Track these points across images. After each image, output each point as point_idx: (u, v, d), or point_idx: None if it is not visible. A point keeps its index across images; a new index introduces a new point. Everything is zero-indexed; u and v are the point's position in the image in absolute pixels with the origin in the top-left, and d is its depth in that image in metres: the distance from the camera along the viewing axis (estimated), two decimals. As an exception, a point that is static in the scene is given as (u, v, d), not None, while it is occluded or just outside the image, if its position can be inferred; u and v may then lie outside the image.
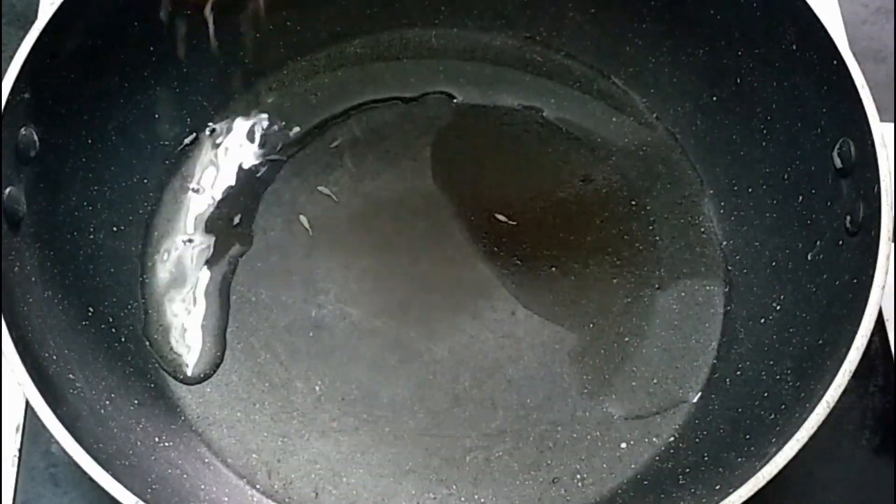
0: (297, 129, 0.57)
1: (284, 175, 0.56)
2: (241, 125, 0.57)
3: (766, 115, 0.52)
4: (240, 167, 0.56)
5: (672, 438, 0.49)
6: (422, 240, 0.54)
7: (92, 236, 0.50)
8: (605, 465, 0.48)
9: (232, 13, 0.56)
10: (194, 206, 0.54)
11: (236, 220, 0.54)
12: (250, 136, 0.57)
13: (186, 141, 0.56)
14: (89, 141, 0.50)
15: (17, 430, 0.49)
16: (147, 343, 0.50)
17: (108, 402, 0.44)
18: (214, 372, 0.50)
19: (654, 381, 0.50)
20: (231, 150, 0.56)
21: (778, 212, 0.51)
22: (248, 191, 0.55)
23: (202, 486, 0.45)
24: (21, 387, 0.38)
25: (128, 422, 0.45)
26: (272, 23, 0.58)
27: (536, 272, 0.53)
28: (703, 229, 0.55)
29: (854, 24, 0.64)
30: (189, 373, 0.49)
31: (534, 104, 0.59)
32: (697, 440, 0.48)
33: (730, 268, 0.53)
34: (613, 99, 0.59)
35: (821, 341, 0.43)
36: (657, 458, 0.48)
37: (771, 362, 0.47)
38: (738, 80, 0.53)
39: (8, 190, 0.43)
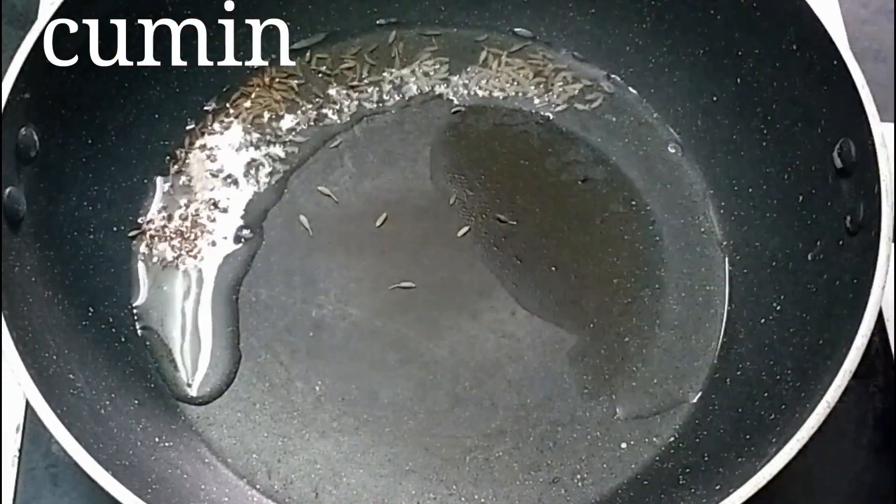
0: (296, 128, 0.57)
1: (284, 175, 0.56)
2: (240, 125, 0.57)
3: (766, 115, 0.52)
4: (240, 167, 0.56)
5: (672, 438, 0.49)
6: (422, 240, 0.54)
7: (92, 236, 0.50)
8: (605, 465, 0.48)
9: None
10: (195, 207, 0.54)
11: (237, 220, 0.54)
12: (250, 136, 0.57)
13: (186, 141, 0.56)
14: (89, 141, 0.50)
15: (17, 430, 0.49)
16: (147, 344, 0.50)
17: (108, 402, 0.44)
18: (227, 388, 0.49)
19: (655, 381, 0.50)
20: (231, 150, 0.56)
21: (778, 212, 0.51)
22: (248, 191, 0.55)
23: (202, 486, 0.45)
24: (21, 387, 0.38)
25: (128, 422, 0.45)
26: (271, 23, 0.58)
27: (536, 272, 0.53)
28: (703, 229, 0.55)
29: (854, 24, 0.64)
30: (195, 393, 0.49)
31: (534, 104, 0.59)
32: (697, 440, 0.48)
33: (730, 268, 0.53)
34: (613, 99, 0.59)
35: (821, 341, 0.43)
36: (657, 458, 0.48)
37: (771, 362, 0.47)
38: (738, 80, 0.53)
39: (8, 190, 0.43)
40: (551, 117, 0.58)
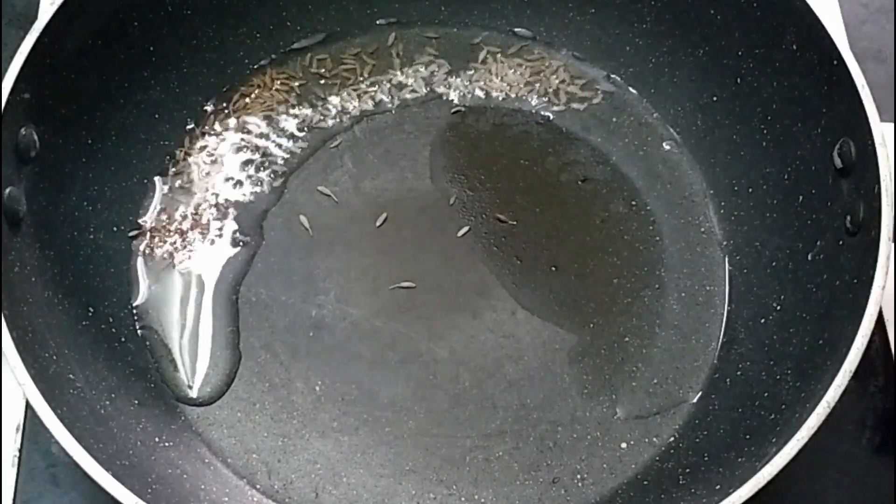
0: (296, 128, 0.57)
1: (285, 175, 0.56)
2: (240, 125, 0.57)
3: (766, 115, 0.52)
4: (239, 167, 0.56)
5: (672, 438, 0.49)
6: (422, 240, 0.54)
7: (92, 236, 0.50)
8: (605, 465, 0.48)
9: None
10: (195, 206, 0.54)
11: (237, 220, 0.54)
12: (250, 136, 0.57)
13: (186, 141, 0.56)
14: (89, 141, 0.50)
15: (17, 430, 0.49)
16: (147, 344, 0.50)
17: (108, 402, 0.44)
18: (227, 388, 0.49)
19: (655, 381, 0.50)
20: (230, 150, 0.56)
21: (778, 212, 0.51)
22: (248, 191, 0.55)
23: (202, 486, 0.45)
24: (21, 387, 0.38)
25: (128, 422, 0.45)
26: (270, 22, 0.58)
27: (536, 272, 0.53)
28: (703, 229, 0.55)
29: (854, 24, 0.64)
30: (195, 394, 0.49)
31: (534, 104, 0.59)
32: (697, 440, 0.48)
33: (730, 268, 0.53)
34: (613, 99, 0.59)
35: (821, 341, 0.43)
36: (657, 458, 0.48)
37: (771, 362, 0.47)
38: (738, 80, 0.53)
39: (8, 190, 0.43)
40: (551, 117, 0.58)
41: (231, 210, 0.54)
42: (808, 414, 0.38)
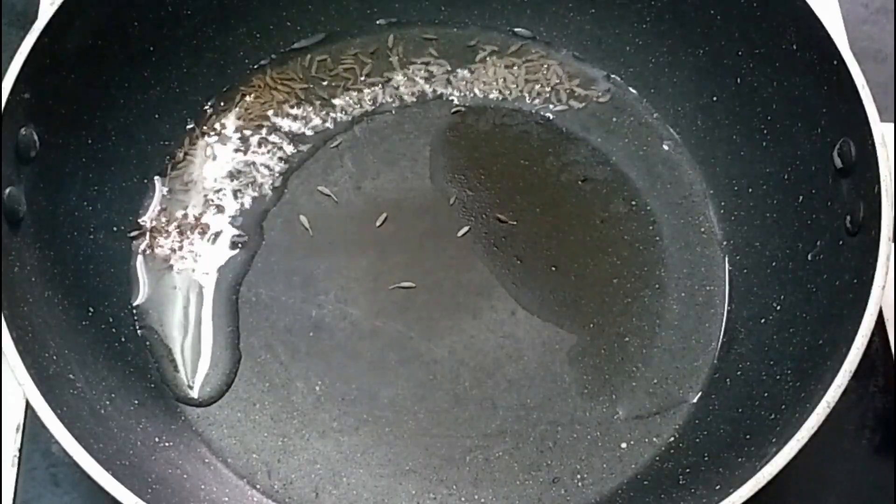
0: (296, 129, 0.57)
1: (285, 175, 0.56)
2: (240, 125, 0.57)
3: (766, 115, 0.52)
4: (240, 167, 0.56)
5: (672, 438, 0.49)
6: (422, 240, 0.54)
7: (92, 236, 0.50)
8: (605, 465, 0.48)
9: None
10: (195, 206, 0.54)
11: (237, 220, 0.54)
12: (250, 136, 0.57)
13: (186, 141, 0.56)
14: (89, 141, 0.50)
15: (17, 430, 0.49)
16: (147, 344, 0.50)
17: (108, 402, 0.44)
18: (227, 389, 0.49)
19: (655, 381, 0.50)
20: (230, 151, 0.56)
21: (778, 212, 0.51)
22: (248, 191, 0.55)
23: (202, 486, 0.45)
24: (21, 387, 0.38)
25: (128, 422, 0.45)
26: (270, 22, 0.58)
27: (536, 272, 0.53)
28: (703, 229, 0.55)
29: (854, 24, 0.64)
30: (195, 394, 0.49)
31: (534, 104, 0.59)
32: (697, 440, 0.48)
33: (730, 268, 0.53)
34: (613, 99, 0.59)
35: (821, 341, 0.43)
36: (657, 458, 0.48)
37: (771, 362, 0.47)
38: (738, 80, 0.53)
39: (8, 190, 0.43)
40: (551, 117, 0.58)
41: (231, 210, 0.54)
42: (808, 414, 0.38)
